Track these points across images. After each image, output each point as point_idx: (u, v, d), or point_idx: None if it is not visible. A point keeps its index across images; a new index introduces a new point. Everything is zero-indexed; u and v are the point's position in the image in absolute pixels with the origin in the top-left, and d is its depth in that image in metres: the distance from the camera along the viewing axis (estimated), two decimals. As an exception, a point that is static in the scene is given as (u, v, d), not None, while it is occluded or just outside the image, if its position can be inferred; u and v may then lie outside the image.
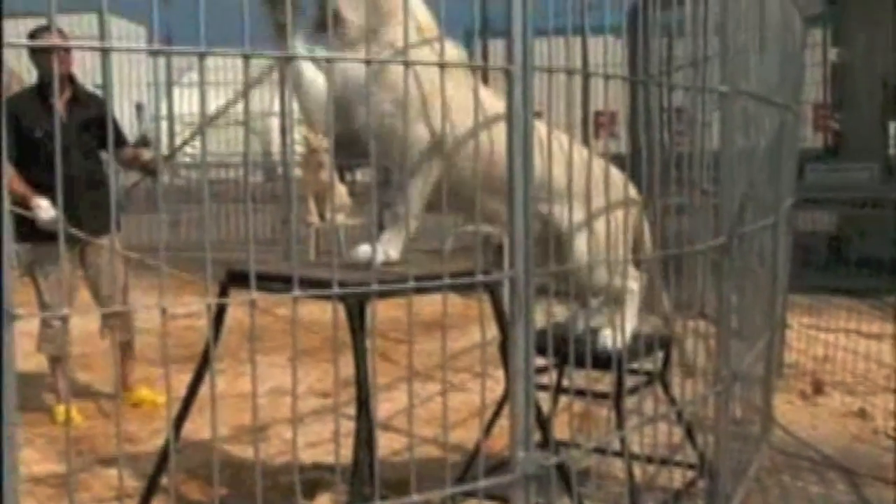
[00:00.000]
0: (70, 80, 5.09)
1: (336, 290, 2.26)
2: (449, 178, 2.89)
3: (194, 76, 14.06)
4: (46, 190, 4.69)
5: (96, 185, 5.04)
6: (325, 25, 2.95)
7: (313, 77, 3.20)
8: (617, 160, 3.39)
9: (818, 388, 5.39)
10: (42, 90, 5.01)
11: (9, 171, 4.67)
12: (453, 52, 3.01)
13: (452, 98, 2.67)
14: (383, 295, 2.51)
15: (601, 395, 3.39)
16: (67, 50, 4.97)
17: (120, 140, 5.27)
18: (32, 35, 4.78)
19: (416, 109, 2.94)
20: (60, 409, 5.03)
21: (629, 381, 3.28)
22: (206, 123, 8.67)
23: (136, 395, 5.35)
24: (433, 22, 3.07)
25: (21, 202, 4.79)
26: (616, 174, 3.29)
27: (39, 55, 4.77)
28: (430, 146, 3.02)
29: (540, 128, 2.78)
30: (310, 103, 3.21)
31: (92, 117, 5.05)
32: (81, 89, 5.23)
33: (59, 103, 4.95)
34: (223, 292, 2.93)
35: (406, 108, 2.53)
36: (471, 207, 2.69)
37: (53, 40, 4.89)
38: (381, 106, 2.94)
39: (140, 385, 5.43)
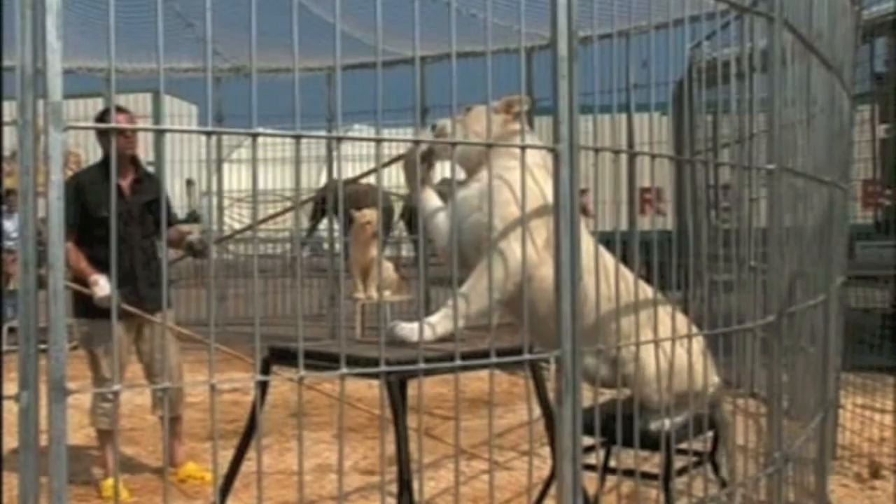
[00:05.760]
0: (134, 161, 5.18)
1: (383, 368, 2.27)
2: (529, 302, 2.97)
3: (243, 153, 14.32)
4: (107, 267, 4.75)
5: (154, 264, 5.12)
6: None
7: (434, 209, 3.49)
8: (664, 236, 3.37)
9: (875, 472, 5.24)
10: (108, 169, 5.03)
11: (68, 246, 4.76)
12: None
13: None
14: (430, 373, 2.51)
15: (650, 476, 3.33)
16: (134, 131, 5.04)
17: (170, 221, 5.34)
18: (101, 116, 4.90)
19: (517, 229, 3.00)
20: (108, 484, 5.04)
21: (678, 462, 3.21)
22: (262, 219, 8.77)
23: (183, 471, 5.34)
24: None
25: (79, 278, 4.87)
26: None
27: (107, 135, 4.85)
28: (514, 265, 3.05)
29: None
30: (433, 231, 3.50)
31: (153, 199, 5.12)
32: (144, 171, 5.32)
33: (123, 183, 5.06)
34: (265, 370, 2.94)
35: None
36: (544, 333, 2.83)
37: (119, 121, 5.05)
38: (485, 219, 3.01)
39: (186, 461, 5.44)
